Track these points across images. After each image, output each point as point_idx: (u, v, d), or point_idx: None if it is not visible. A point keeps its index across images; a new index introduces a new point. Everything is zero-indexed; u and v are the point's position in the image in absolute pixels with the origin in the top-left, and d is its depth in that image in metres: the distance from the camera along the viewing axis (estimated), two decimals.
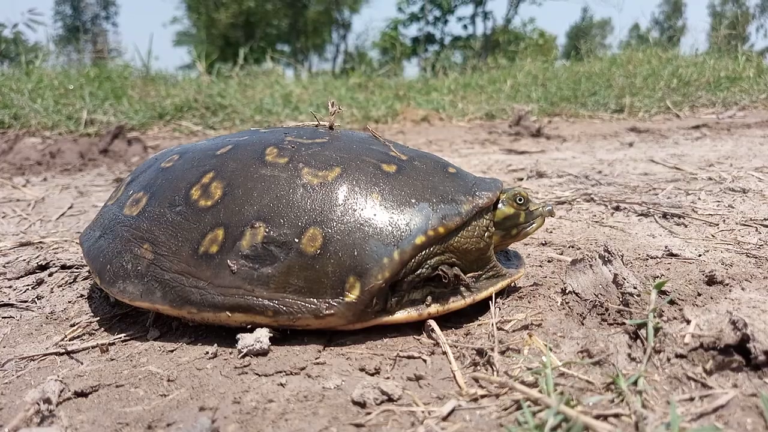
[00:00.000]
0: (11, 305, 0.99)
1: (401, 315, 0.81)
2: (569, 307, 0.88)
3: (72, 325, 0.90)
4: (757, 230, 1.31)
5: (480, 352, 0.74)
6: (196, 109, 3.71)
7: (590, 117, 3.91)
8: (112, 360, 0.78)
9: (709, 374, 0.68)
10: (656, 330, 0.73)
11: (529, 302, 0.90)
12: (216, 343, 0.80)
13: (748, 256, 1.12)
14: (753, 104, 4.27)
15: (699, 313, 0.75)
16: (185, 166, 0.91)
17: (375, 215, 0.80)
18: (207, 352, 0.78)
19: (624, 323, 0.81)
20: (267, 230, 0.79)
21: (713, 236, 1.28)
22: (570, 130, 3.46)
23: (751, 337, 0.69)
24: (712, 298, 0.89)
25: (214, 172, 0.86)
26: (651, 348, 0.70)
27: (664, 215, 1.45)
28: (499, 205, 0.92)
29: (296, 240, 0.78)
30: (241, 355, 0.76)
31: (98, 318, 0.91)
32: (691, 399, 0.64)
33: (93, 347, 0.82)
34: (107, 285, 0.84)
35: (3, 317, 0.95)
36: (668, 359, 0.70)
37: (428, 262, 0.82)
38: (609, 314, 0.86)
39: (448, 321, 0.85)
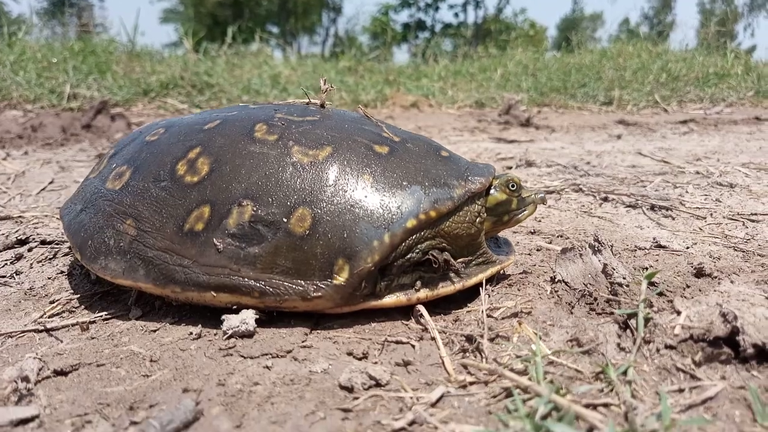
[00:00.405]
0: None
1: (390, 299, 0.80)
2: (558, 296, 0.88)
3: (51, 302, 0.88)
4: (744, 224, 1.32)
5: (469, 339, 0.73)
6: (182, 86, 3.64)
7: (579, 108, 3.91)
8: (93, 339, 0.76)
9: (698, 366, 0.68)
10: (646, 320, 0.72)
11: (518, 290, 0.90)
12: (200, 324, 0.79)
13: (736, 250, 1.12)
14: (740, 101, 4.30)
15: (689, 304, 0.74)
16: (171, 140, 0.88)
17: (366, 197, 0.78)
18: (191, 333, 0.77)
19: (613, 313, 0.81)
20: (255, 209, 0.77)
21: (701, 229, 1.29)
22: (559, 121, 3.46)
23: (740, 330, 0.68)
24: (700, 290, 0.89)
25: (201, 147, 0.84)
26: (641, 338, 0.70)
27: (652, 207, 1.45)
28: (492, 191, 0.91)
29: (284, 220, 0.76)
30: (227, 336, 0.74)
31: (78, 295, 0.89)
32: (680, 390, 0.64)
33: (73, 325, 0.80)
34: (88, 261, 0.82)
35: None
36: (658, 350, 0.70)
37: (419, 246, 0.81)
38: (598, 303, 0.85)
39: (437, 306, 0.84)
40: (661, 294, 0.83)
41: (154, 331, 0.78)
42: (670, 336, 0.70)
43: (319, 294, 0.76)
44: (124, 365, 0.70)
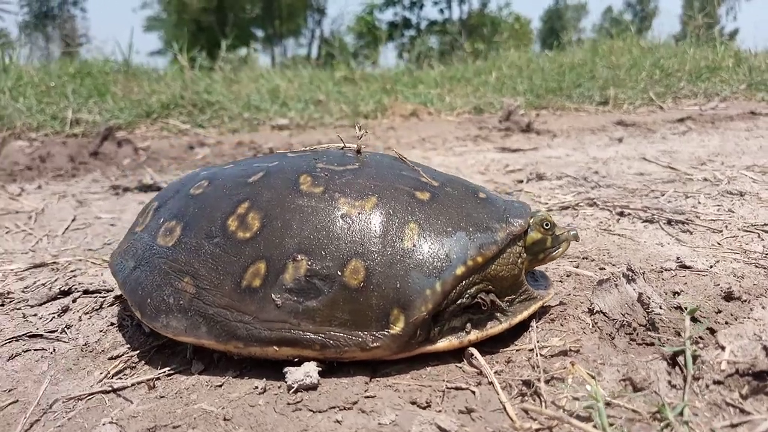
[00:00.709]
0: (40, 336, 0.98)
1: (443, 343, 0.83)
2: (599, 328, 0.91)
3: (111, 359, 0.90)
4: (759, 236, 1.36)
5: (526, 383, 0.77)
6: (183, 106, 3.66)
7: (576, 110, 3.96)
8: (162, 397, 0.79)
9: (745, 399, 0.72)
10: (694, 358, 0.76)
11: (561, 325, 0.93)
12: (264, 378, 0.81)
13: (757, 267, 1.16)
14: (734, 95, 4.36)
15: (732, 339, 0.78)
16: (217, 193, 0.91)
17: (414, 246, 0.82)
18: (256, 387, 0.80)
19: (653, 344, 0.85)
20: (309, 263, 0.80)
21: (719, 244, 1.33)
22: (558, 124, 3.50)
23: None
24: (733, 315, 0.93)
25: (249, 201, 0.87)
26: (691, 375, 0.74)
27: (669, 222, 1.49)
28: (528, 231, 0.94)
29: (339, 273, 0.79)
30: (293, 390, 0.77)
31: (136, 350, 0.92)
32: (732, 426, 0.68)
33: (138, 383, 0.83)
34: (149, 320, 0.84)
35: (35, 350, 0.94)
36: (707, 386, 0.73)
37: (468, 291, 0.84)
38: (638, 334, 0.89)
39: (485, 345, 0.88)
40: (708, 330, 0.86)
41: (219, 386, 0.81)
42: (717, 372, 0.74)
43: (377, 344, 0.79)
44: (200, 425, 0.72)
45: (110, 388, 0.81)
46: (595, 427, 0.66)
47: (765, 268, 1.15)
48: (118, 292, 1.11)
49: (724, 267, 1.17)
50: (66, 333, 0.99)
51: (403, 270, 0.80)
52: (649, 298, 0.94)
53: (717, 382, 0.73)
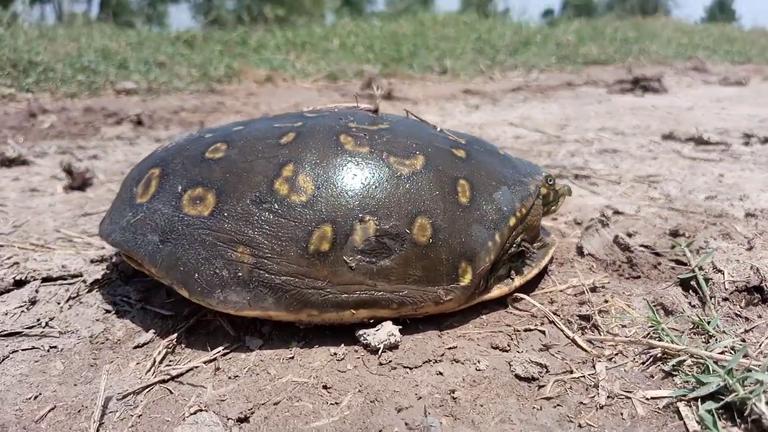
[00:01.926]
0: (18, 334, 0.83)
1: (496, 291, 0.88)
2: (603, 268, 1.03)
3: (137, 347, 0.80)
4: (650, 186, 1.61)
5: (584, 317, 0.85)
6: (2, 68, 3.10)
7: (422, 79, 4.16)
8: (236, 377, 0.73)
9: (745, 308, 0.88)
10: (706, 280, 0.90)
11: (572, 266, 1.03)
12: (336, 345, 0.79)
13: (671, 210, 1.38)
14: (548, 68, 4.93)
15: (724, 263, 0.94)
16: (249, 157, 0.84)
17: (470, 202, 0.84)
18: (334, 354, 0.77)
19: (644, 278, 0.99)
20: (377, 223, 0.79)
21: (625, 193, 1.54)
22: (414, 92, 3.66)
23: (764, 279, 0.90)
24: (693, 248, 1.11)
25: (294, 164, 0.82)
26: (708, 295, 0.88)
27: (576, 176, 1.69)
28: None
29: (407, 231, 0.80)
30: (380, 350, 0.76)
31: (164, 336, 0.82)
32: (746, 331, 0.83)
33: (196, 368, 0.75)
34: (201, 296, 0.76)
35: (24, 349, 0.79)
36: (718, 302, 0.88)
37: (516, 240, 0.90)
38: (624, 270, 1.03)
39: (519, 291, 0.94)
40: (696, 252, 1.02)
41: (291, 358, 0.77)
42: (723, 290, 0.90)
43: (450, 297, 0.81)
44: (303, 398, 0.69)
45: (168, 377, 0.73)
46: (673, 343, 0.76)
47: (677, 210, 1.37)
48: (93, 277, 0.96)
49: (647, 212, 1.37)
50: (52, 327, 0.85)
51: (465, 225, 0.83)
52: (623, 240, 1.08)
53: (725, 299, 0.89)
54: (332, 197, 0.79)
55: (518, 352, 0.79)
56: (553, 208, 1.06)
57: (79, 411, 0.66)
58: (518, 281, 0.91)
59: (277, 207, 0.79)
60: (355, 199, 0.79)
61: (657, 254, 1.09)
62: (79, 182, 1.56)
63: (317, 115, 0.96)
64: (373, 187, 0.81)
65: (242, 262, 0.77)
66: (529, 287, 0.96)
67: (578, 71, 4.96)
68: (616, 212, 1.35)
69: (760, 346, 0.76)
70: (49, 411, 0.67)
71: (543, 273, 1.01)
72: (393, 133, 0.89)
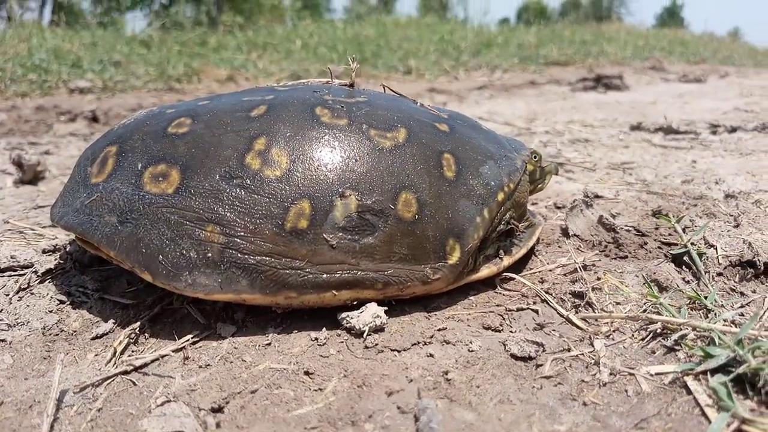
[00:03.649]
0: None
1: (485, 271, 0.83)
2: (591, 247, 0.99)
3: (95, 338, 0.72)
4: (625, 172, 1.59)
5: (577, 295, 0.81)
6: None
7: (386, 78, 4.12)
8: (208, 366, 0.66)
9: (740, 283, 0.85)
10: (699, 255, 0.87)
11: (559, 247, 0.99)
12: (316, 329, 0.73)
13: (648, 193, 1.36)
14: (511, 68, 4.95)
15: (717, 238, 0.92)
16: (217, 131, 0.77)
17: (456, 176, 0.80)
18: (315, 339, 0.71)
19: (631, 258, 0.96)
20: (359, 198, 0.73)
21: (601, 180, 1.52)
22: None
23: (757, 253, 0.87)
24: (674, 228, 1.08)
25: (266, 137, 0.76)
26: (703, 270, 0.85)
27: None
28: None
29: (392, 206, 0.74)
30: (365, 333, 0.71)
31: (125, 326, 0.75)
32: (742, 306, 0.80)
33: (163, 357, 0.68)
34: (166, 279, 0.69)
35: None
36: (713, 277, 0.85)
37: (504, 217, 0.85)
38: (610, 250, 0.99)
39: (508, 271, 0.89)
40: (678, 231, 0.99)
41: (268, 344, 0.70)
42: (717, 265, 0.87)
43: (438, 276, 0.76)
44: (283, 385, 0.63)
45: (131, 368, 0.65)
46: (672, 317, 0.72)
47: (655, 193, 1.35)
48: (45, 267, 0.88)
49: (626, 195, 1.35)
50: (5, 319, 0.76)
51: (451, 200, 0.78)
52: (608, 220, 1.05)
53: (719, 274, 0.86)
54: (309, 171, 0.73)
55: (511, 332, 0.74)
56: (539, 186, 1.02)
57: (30, 406, 0.59)
58: (507, 261, 0.86)
59: (249, 182, 0.72)
60: (335, 174, 0.74)
61: (642, 234, 1.06)
62: (30, 176, 1.45)
63: (289, 88, 0.89)
64: (354, 160, 0.75)
65: (212, 241, 0.70)
66: (517, 268, 0.91)
67: (541, 71, 5.00)
68: (596, 196, 1.33)
69: (761, 319, 0.73)
70: None
71: (531, 253, 0.96)
72: (372, 105, 0.84)
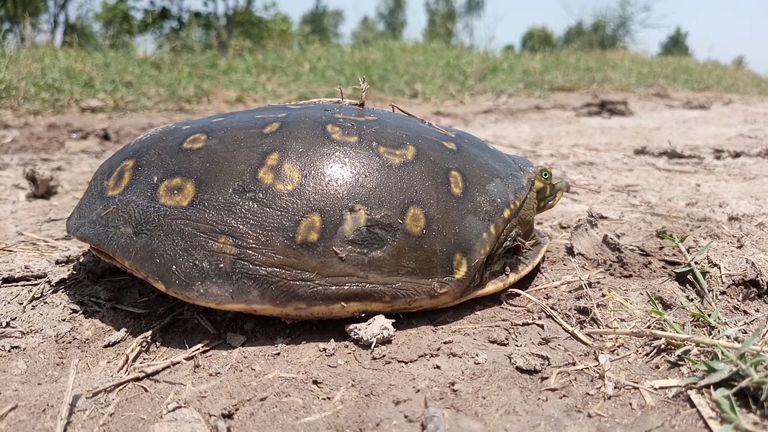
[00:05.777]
0: None
1: (491, 287, 0.85)
2: (595, 266, 1.01)
3: (107, 346, 0.73)
4: (629, 194, 1.61)
5: (582, 311, 0.82)
6: None
7: (392, 101, 4.18)
8: (218, 374, 0.67)
9: (743, 302, 0.86)
10: (703, 274, 0.88)
11: (564, 264, 1.00)
12: (325, 340, 0.74)
13: (653, 215, 1.38)
14: (517, 93, 5.01)
15: (720, 258, 0.93)
16: (231, 147, 0.80)
17: (463, 192, 0.81)
18: (324, 349, 0.72)
19: (636, 277, 0.97)
20: (368, 213, 0.75)
21: (606, 201, 1.54)
22: None
23: (760, 273, 0.88)
24: (678, 247, 1.09)
25: (279, 153, 0.78)
26: (707, 289, 0.86)
27: None
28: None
29: (400, 221, 0.76)
30: (373, 345, 0.72)
31: (136, 334, 0.76)
32: (746, 324, 0.81)
33: (174, 365, 0.69)
34: (179, 289, 0.71)
35: None
36: (716, 296, 0.86)
37: (510, 234, 0.86)
38: (615, 269, 1.00)
39: (514, 287, 0.90)
40: (689, 251, 1.00)
41: (277, 354, 0.72)
42: (721, 284, 0.88)
43: (445, 290, 0.77)
44: (292, 393, 0.64)
45: (143, 374, 0.67)
46: (676, 333, 0.73)
47: (660, 215, 1.37)
48: (58, 278, 0.90)
49: (630, 216, 1.36)
50: (14, 327, 0.77)
51: (459, 216, 0.79)
52: (613, 240, 1.07)
53: (722, 293, 0.87)
54: (320, 186, 0.75)
55: (517, 345, 0.75)
56: (550, 203, 1.03)
57: (43, 410, 0.60)
58: (513, 277, 0.87)
59: (261, 196, 0.74)
60: (345, 188, 0.76)
61: (646, 254, 1.07)
62: (43, 190, 1.48)
63: (301, 107, 0.92)
64: (363, 176, 0.77)
65: (224, 252, 0.72)
66: (523, 284, 0.93)
67: (545, 96, 5.06)
68: (601, 217, 1.34)
69: (764, 335, 0.74)
70: (10, 410, 0.60)
71: (536, 271, 0.98)
72: (381, 124, 0.86)
